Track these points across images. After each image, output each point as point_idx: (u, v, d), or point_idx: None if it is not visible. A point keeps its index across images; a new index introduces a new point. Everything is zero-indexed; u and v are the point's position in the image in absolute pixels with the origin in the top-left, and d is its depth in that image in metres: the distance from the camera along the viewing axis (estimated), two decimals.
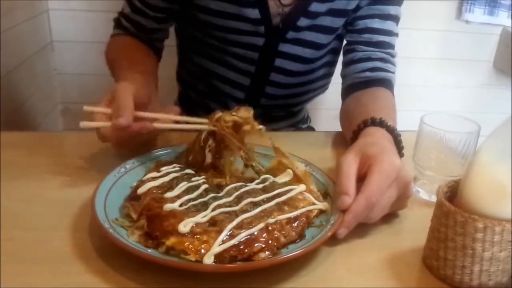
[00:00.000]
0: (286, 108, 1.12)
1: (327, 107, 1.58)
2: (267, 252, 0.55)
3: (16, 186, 0.69)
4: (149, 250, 0.54)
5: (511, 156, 0.50)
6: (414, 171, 0.73)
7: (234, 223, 0.57)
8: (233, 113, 0.70)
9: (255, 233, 0.56)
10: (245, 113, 0.70)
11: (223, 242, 0.54)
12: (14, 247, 0.56)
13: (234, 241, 0.54)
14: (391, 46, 0.98)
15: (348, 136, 0.81)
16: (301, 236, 0.59)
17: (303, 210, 0.62)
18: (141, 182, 0.65)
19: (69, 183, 0.71)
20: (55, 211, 0.64)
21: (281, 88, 1.03)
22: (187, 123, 0.73)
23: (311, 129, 1.24)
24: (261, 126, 0.71)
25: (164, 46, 1.06)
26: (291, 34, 0.95)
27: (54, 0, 1.53)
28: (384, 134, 0.74)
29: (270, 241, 0.56)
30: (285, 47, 0.97)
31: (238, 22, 0.93)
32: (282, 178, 0.69)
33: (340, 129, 0.94)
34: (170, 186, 0.65)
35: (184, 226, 0.55)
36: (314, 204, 0.64)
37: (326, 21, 0.95)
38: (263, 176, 0.70)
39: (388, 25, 0.97)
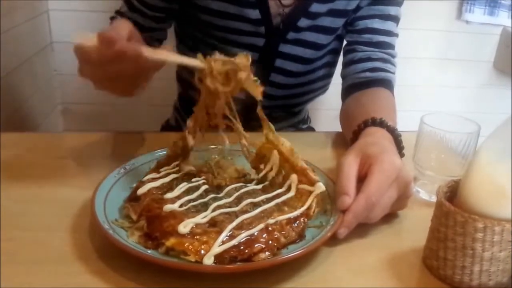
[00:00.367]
0: (286, 109, 1.12)
1: (327, 107, 1.58)
2: (267, 253, 0.55)
3: (16, 186, 0.69)
4: (149, 251, 0.54)
5: (511, 157, 0.50)
6: (414, 171, 0.73)
7: (234, 223, 0.57)
8: (229, 59, 0.64)
9: (255, 233, 0.56)
10: (243, 59, 0.64)
11: (223, 242, 0.54)
12: (13, 247, 0.57)
13: (234, 242, 0.54)
14: (391, 46, 0.98)
15: (348, 137, 0.81)
16: (301, 236, 0.59)
17: (303, 209, 0.62)
18: (141, 183, 0.65)
19: (69, 183, 0.71)
20: (55, 211, 0.64)
21: (281, 89, 1.03)
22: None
23: (311, 129, 1.24)
24: (256, 78, 0.66)
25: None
26: (291, 35, 0.95)
27: (54, 1, 1.53)
28: (384, 134, 0.74)
29: (270, 242, 0.56)
30: (285, 48, 0.97)
31: (238, 23, 0.93)
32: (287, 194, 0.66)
33: (340, 130, 0.94)
34: (170, 186, 0.65)
35: (184, 227, 0.55)
36: (311, 203, 0.63)
37: (327, 21, 0.95)
38: (261, 174, 0.70)
39: (388, 25, 0.97)
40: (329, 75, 1.11)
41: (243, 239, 0.55)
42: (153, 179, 0.66)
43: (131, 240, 0.56)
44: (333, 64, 1.09)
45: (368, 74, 0.94)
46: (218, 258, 0.53)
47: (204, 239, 0.54)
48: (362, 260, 0.58)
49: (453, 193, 0.56)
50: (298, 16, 0.93)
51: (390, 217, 0.66)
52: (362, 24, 0.97)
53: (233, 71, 0.64)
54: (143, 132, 0.89)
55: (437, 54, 1.76)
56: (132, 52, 0.59)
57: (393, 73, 0.96)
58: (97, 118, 1.63)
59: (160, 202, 0.60)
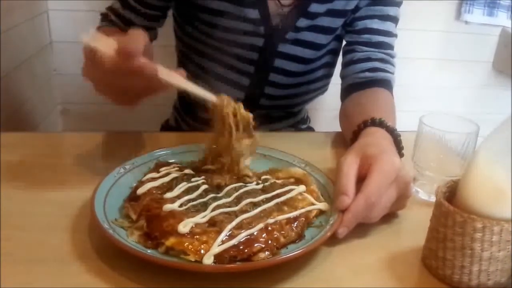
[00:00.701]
0: (285, 109, 1.12)
1: (326, 107, 1.58)
2: (266, 252, 0.55)
3: (16, 186, 0.69)
4: (149, 251, 0.55)
5: (509, 157, 0.50)
6: (413, 172, 0.73)
7: (234, 223, 0.57)
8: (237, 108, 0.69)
9: (255, 233, 0.56)
10: (246, 116, 0.69)
11: (223, 242, 0.54)
12: (13, 247, 0.57)
13: (233, 242, 0.54)
14: (390, 46, 0.98)
15: (347, 137, 0.81)
16: (300, 236, 0.59)
17: (303, 210, 0.62)
18: (141, 183, 0.66)
19: (69, 183, 0.71)
20: (54, 211, 0.64)
21: (280, 89, 1.03)
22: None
23: (310, 129, 1.24)
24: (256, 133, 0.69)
25: (160, 53, 1.05)
26: (290, 35, 0.95)
27: (54, 1, 1.53)
28: (384, 134, 0.74)
29: (269, 241, 0.56)
30: (284, 48, 0.97)
31: (237, 22, 0.93)
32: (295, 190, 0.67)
33: (339, 130, 0.94)
34: (169, 186, 0.65)
35: (184, 227, 0.55)
36: (313, 204, 0.64)
37: (325, 21, 0.95)
38: (264, 177, 0.70)
39: (387, 26, 0.97)
40: (328, 76, 1.11)
41: (243, 239, 0.55)
42: (153, 179, 0.66)
43: (130, 239, 0.56)
44: (332, 65, 1.09)
45: (367, 74, 0.94)
46: (218, 257, 0.53)
47: (204, 239, 0.54)
48: (361, 260, 0.58)
49: (452, 193, 0.56)
50: (297, 16, 0.93)
51: (389, 217, 0.66)
52: (361, 24, 0.97)
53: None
54: (143, 132, 0.89)
55: (436, 54, 1.76)
56: (149, 71, 0.59)
57: (392, 73, 0.96)
58: (97, 118, 1.63)
59: (159, 201, 0.60)
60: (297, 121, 1.18)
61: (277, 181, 0.69)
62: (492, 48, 1.76)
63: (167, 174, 0.68)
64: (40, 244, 0.57)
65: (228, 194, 0.64)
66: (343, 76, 1.00)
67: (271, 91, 1.03)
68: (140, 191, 0.63)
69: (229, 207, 0.61)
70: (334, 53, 1.07)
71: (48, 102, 1.56)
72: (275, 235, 0.57)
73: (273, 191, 0.65)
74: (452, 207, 0.52)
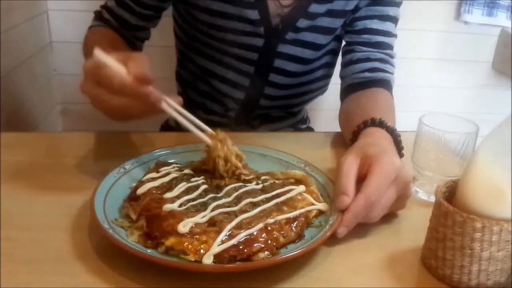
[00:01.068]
0: (285, 109, 1.12)
1: (326, 107, 1.58)
2: (266, 252, 0.55)
3: (16, 186, 0.69)
4: (149, 250, 0.55)
5: (509, 157, 0.50)
6: (413, 171, 0.73)
7: (234, 223, 0.57)
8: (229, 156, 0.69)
9: (254, 233, 0.56)
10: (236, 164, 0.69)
11: (223, 242, 0.54)
12: (13, 247, 0.57)
13: (233, 241, 0.54)
14: (390, 47, 0.98)
15: (347, 137, 0.81)
16: (300, 236, 0.59)
17: (302, 210, 0.62)
18: (141, 183, 0.66)
19: (69, 183, 0.71)
20: (54, 211, 0.64)
21: (280, 89, 1.03)
22: (187, 118, 0.69)
23: (310, 129, 1.24)
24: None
25: (160, 53, 1.05)
26: (290, 35, 0.95)
27: (54, 1, 1.53)
28: (384, 134, 0.74)
29: (269, 241, 0.56)
30: (284, 48, 0.97)
31: (237, 23, 0.93)
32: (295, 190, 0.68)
33: (339, 130, 0.94)
34: (169, 186, 0.65)
35: (184, 227, 0.55)
36: (313, 204, 0.64)
37: (325, 22, 0.95)
38: (263, 177, 0.70)
39: (387, 26, 0.97)
40: (328, 76, 1.11)
41: (242, 239, 0.55)
42: (153, 179, 0.66)
43: (130, 239, 0.56)
44: (332, 65, 1.10)
45: (367, 74, 0.94)
46: (218, 257, 0.53)
47: (204, 239, 0.54)
48: (361, 260, 0.58)
49: (451, 193, 0.56)
50: (297, 17, 0.93)
51: (389, 217, 0.66)
52: (361, 24, 0.97)
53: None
54: (143, 132, 0.89)
55: (435, 54, 1.76)
56: (154, 99, 0.61)
57: (392, 73, 0.97)
58: (97, 118, 1.62)
59: (159, 201, 0.60)
60: (296, 121, 1.18)
61: (276, 181, 0.69)
62: (491, 48, 1.76)
63: (167, 174, 0.68)
64: (40, 244, 0.57)
65: (227, 194, 0.64)
66: (342, 76, 1.00)
67: (271, 91, 1.03)
68: (140, 191, 0.63)
69: (228, 207, 0.61)
70: (334, 53, 1.07)
71: (48, 102, 1.56)
72: (275, 235, 0.57)
73: (273, 191, 0.65)
74: (452, 207, 0.52)
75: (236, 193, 0.64)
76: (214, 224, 0.57)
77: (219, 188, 0.66)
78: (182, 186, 0.64)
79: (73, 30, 1.54)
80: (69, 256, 0.55)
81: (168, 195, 0.62)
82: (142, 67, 0.60)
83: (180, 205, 0.60)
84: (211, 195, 0.63)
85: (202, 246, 0.54)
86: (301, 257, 0.55)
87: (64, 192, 0.69)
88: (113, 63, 0.60)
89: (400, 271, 0.57)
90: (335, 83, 1.06)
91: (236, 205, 0.61)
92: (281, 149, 0.77)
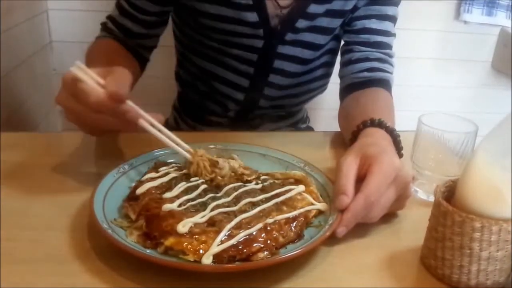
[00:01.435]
0: (285, 109, 1.12)
1: (326, 107, 1.58)
2: (265, 252, 0.55)
3: (16, 186, 0.69)
4: (148, 251, 0.55)
5: (508, 157, 0.50)
6: (412, 171, 0.73)
7: (233, 223, 0.57)
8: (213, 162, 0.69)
9: (254, 233, 0.56)
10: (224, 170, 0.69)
11: (222, 242, 0.54)
12: (13, 247, 0.57)
13: (232, 241, 0.54)
14: (388, 46, 0.98)
15: (347, 137, 0.81)
16: (299, 236, 0.59)
17: (302, 210, 0.62)
18: (140, 183, 0.66)
19: (68, 183, 0.71)
20: (54, 211, 0.64)
21: (279, 89, 1.03)
22: (166, 135, 0.68)
23: (310, 129, 1.24)
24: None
25: (160, 53, 1.04)
26: (289, 36, 0.95)
27: (54, 0, 1.53)
28: (383, 134, 0.74)
29: (268, 241, 0.56)
30: (283, 49, 0.97)
31: (237, 26, 0.92)
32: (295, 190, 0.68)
33: (339, 129, 0.94)
34: (169, 186, 0.65)
35: (183, 226, 0.55)
36: (312, 204, 0.64)
37: (324, 22, 0.95)
38: (263, 177, 0.70)
39: (385, 25, 0.97)
40: (327, 75, 1.11)
41: (242, 239, 0.55)
42: (152, 179, 0.66)
43: (130, 239, 0.56)
44: (331, 64, 1.10)
45: (366, 74, 0.94)
46: (217, 257, 0.53)
47: (203, 239, 0.54)
48: (360, 260, 0.58)
49: (451, 193, 0.56)
50: (296, 17, 0.93)
51: (388, 217, 0.66)
52: (359, 24, 0.97)
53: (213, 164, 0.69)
54: (142, 132, 0.89)
55: (435, 54, 1.76)
56: (130, 116, 0.60)
57: (391, 73, 0.97)
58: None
59: (159, 201, 0.60)
60: (296, 121, 1.18)
61: (276, 181, 0.69)
62: (491, 48, 1.76)
63: (166, 174, 0.68)
64: (40, 244, 0.57)
65: (227, 194, 0.64)
66: (341, 76, 1.00)
67: (270, 91, 1.03)
68: (139, 191, 0.63)
69: (228, 207, 0.61)
70: (333, 52, 1.07)
71: (47, 101, 1.56)
72: (274, 235, 0.57)
73: (272, 191, 0.65)
74: (451, 207, 0.52)
75: (235, 193, 0.64)
76: (213, 224, 0.57)
77: (218, 188, 0.66)
78: (182, 186, 0.64)
79: (73, 30, 1.55)
80: (69, 256, 0.55)
81: (168, 195, 0.62)
82: (119, 84, 0.59)
83: (180, 205, 0.60)
84: (211, 195, 0.63)
85: (201, 246, 0.54)
86: (301, 257, 0.55)
87: (63, 192, 0.69)
88: (88, 80, 0.60)
89: (399, 271, 0.57)
90: (335, 82, 1.06)
91: (236, 205, 0.61)
92: (281, 148, 0.77)
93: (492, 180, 0.51)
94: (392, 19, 0.98)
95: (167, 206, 0.59)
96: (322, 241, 0.57)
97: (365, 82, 0.93)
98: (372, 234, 0.63)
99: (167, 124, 1.22)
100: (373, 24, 0.96)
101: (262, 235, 0.56)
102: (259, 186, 0.67)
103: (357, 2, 0.96)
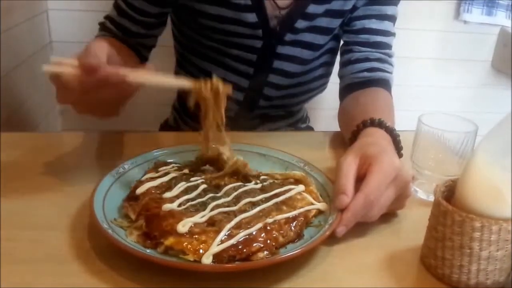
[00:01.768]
0: (284, 108, 1.12)
1: (326, 106, 1.58)
2: (265, 252, 0.55)
3: (15, 186, 0.69)
4: (148, 250, 0.55)
5: (508, 156, 0.50)
6: (412, 171, 0.73)
7: (233, 223, 0.57)
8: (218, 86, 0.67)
9: (254, 233, 0.56)
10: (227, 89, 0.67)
11: (222, 242, 0.54)
12: (13, 247, 0.57)
13: (232, 241, 0.54)
14: (388, 46, 0.98)
15: (347, 136, 0.81)
16: (299, 235, 0.59)
17: (302, 210, 0.62)
18: (140, 182, 0.66)
19: (68, 183, 0.71)
20: (54, 211, 0.64)
21: (279, 89, 1.03)
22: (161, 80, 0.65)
23: (310, 128, 1.24)
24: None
25: (160, 53, 1.03)
26: (288, 36, 0.95)
27: (54, 0, 1.53)
28: (383, 134, 0.74)
29: (268, 241, 0.56)
30: (283, 49, 0.97)
31: (236, 26, 0.92)
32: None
33: (339, 129, 0.94)
34: (168, 186, 0.65)
35: (183, 226, 0.55)
36: (312, 204, 0.64)
37: (324, 22, 0.95)
38: (262, 177, 0.70)
39: (385, 25, 0.97)
40: (327, 74, 1.11)
41: (242, 239, 0.55)
42: (152, 179, 0.66)
43: (129, 239, 0.56)
44: (330, 64, 1.09)
45: (365, 74, 0.94)
46: (217, 257, 0.53)
47: (203, 239, 0.54)
48: (360, 260, 0.58)
49: (450, 193, 0.56)
50: (295, 18, 0.93)
51: (388, 216, 0.66)
52: (359, 24, 0.97)
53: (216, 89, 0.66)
54: (142, 132, 0.89)
55: (435, 54, 1.76)
56: (115, 78, 0.59)
57: (391, 72, 0.97)
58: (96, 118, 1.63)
59: (158, 201, 0.60)
60: (296, 120, 1.18)
61: (276, 180, 0.69)
62: (491, 47, 1.76)
63: (166, 173, 0.68)
64: (40, 244, 0.57)
65: (227, 194, 0.64)
66: (341, 76, 1.00)
67: (270, 92, 1.03)
68: (139, 190, 0.63)
69: (228, 206, 0.61)
70: (333, 52, 1.07)
71: (47, 102, 1.56)
72: (274, 235, 0.57)
73: (272, 190, 0.65)
74: (451, 207, 0.52)
75: (235, 193, 0.64)
76: (213, 224, 0.57)
77: (218, 188, 0.66)
78: (181, 185, 0.64)
79: (73, 30, 1.54)
80: (69, 256, 0.55)
81: (167, 194, 0.62)
82: (89, 57, 0.58)
83: (179, 205, 0.60)
84: (210, 194, 0.63)
85: (201, 246, 0.54)
86: (301, 256, 0.55)
87: (63, 192, 0.69)
88: (62, 69, 0.59)
89: (399, 271, 0.57)
90: (335, 82, 1.06)
91: (235, 205, 0.61)
92: (281, 148, 0.77)
93: (492, 179, 0.51)
94: (392, 18, 0.98)
95: (167, 206, 0.59)
96: (322, 241, 0.57)
97: (365, 82, 0.93)
98: (372, 233, 0.63)
99: (167, 124, 1.23)
100: (373, 24, 0.96)
101: (262, 235, 0.56)
102: (259, 186, 0.67)
103: (356, 2, 0.95)
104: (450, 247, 0.53)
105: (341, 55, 1.01)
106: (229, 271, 0.54)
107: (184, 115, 1.16)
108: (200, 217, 0.58)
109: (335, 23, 0.97)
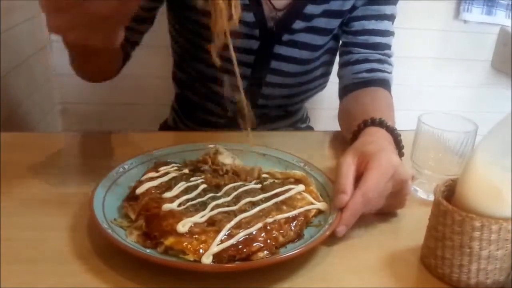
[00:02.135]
0: (284, 108, 1.12)
1: (326, 106, 1.58)
2: (265, 252, 0.55)
3: (15, 186, 0.69)
4: (148, 250, 0.55)
5: (507, 156, 0.50)
6: (412, 170, 0.73)
7: (233, 222, 0.57)
8: None
9: (254, 232, 0.56)
10: None
11: (222, 241, 0.54)
12: (12, 246, 0.57)
13: (232, 241, 0.54)
14: (387, 46, 0.98)
15: (347, 136, 0.81)
16: (299, 235, 0.59)
17: (302, 209, 0.62)
18: (140, 182, 0.66)
19: (68, 183, 0.71)
20: (53, 211, 0.64)
21: (278, 88, 1.03)
22: None
23: (310, 128, 1.24)
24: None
25: (158, 53, 1.02)
26: (286, 37, 0.94)
27: None
28: (384, 134, 0.74)
29: (268, 241, 0.56)
30: (280, 49, 0.96)
31: None
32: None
33: (339, 129, 0.94)
34: (168, 186, 0.65)
35: (183, 226, 0.55)
36: (312, 203, 0.64)
37: (322, 22, 0.94)
38: (264, 175, 0.70)
39: (384, 25, 0.97)
40: (327, 73, 1.11)
41: (242, 238, 0.55)
42: (152, 179, 0.66)
43: (129, 239, 0.56)
44: (330, 63, 1.09)
45: (365, 75, 0.94)
46: (217, 257, 0.53)
47: (203, 238, 0.54)
48: (360, 259, 0.58)
49: (450, 192, 0.56)
50: (292, 18, 0.92)
51: (388, 216, 0.66)
52: (358, 25, 0.96)
53: None
54: (141, 132, 0.89)
55: (435, 53, 1.76)
56: None
57: (390, 72, 0.96)
58: (96, 118, 1.63)
59: (158, 201, 0.60)
60: (296, 120, 1.17)
61: (276, 180, 0.69)
62: (491, 47, 1.76)
63: (166, 173, 0.68)
64: (40, 244, 0.57)
65: (227, 194, 0.64)
66: (340, 76, 1.00)
67: (268, 91, 1.03)
68: (139, 190, 0.63)
69: (228, 206, 0.61)
70: (333, 52, 1.06)
71: (47, 102, 1.56)
72: (274, 235, 0.57)
73: (272, 190, 0.65)
74: (451, 206, 0.52)
75: (235, 193, 0.64)
76: (213, 224, 0.57)
77: (218, 188, 0.66)
78: (181, 185, 0.64)
79: None
80: (69, 256, 0.55)
81: (167, 194, 0.62)
82: None
83: (179, 205, 0.60)
84: (210, 194, 0.63)
85: (201, 245, 0.54)
86: (301, 256, 0.55)
87: (63, 192, 0.69)
88: None
89: (399, 270, 0.57)
90: (335, 82, 1.06)
91: (235, 205, 0.61)
92: (280, 148, 0.77)
93: (492, 179, 0.51)
94: (391, 17, 0.98)
95: (167, 206, 0.59)
96: (322, 241, 0.57)
97: (365, 82, 0.93)
98: (372, 233, 0.63)
99: (166, 124, 1.22)
100: (372, 25, 0.96)
101: (262, 235, 0.56)
102: (259, 185, 0.67)
103: (356, 2, 0.95)
104: (450, 246, 0.53)
105: (340, 55, 1.01)
106: (229, 271, 0.54)
107: (183, 115, 1.15)
108: (200, 217, 0.58)
109: (334, 23, 0.96)
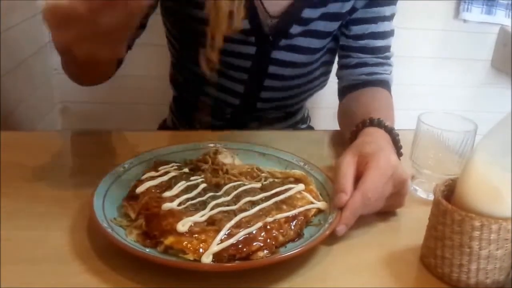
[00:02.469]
0: (283, 109, 1.12)
1: (327, 105, 1.57)
2: (265, 251, 0.55)
3: (15, 186, 0.69)
4: (148, 250, 0.55)
5: (507, 156, 0.50)
6: (411, 170, 0.73)
7: (233, 222, 0.57)
8: None
9: (254, 232, 0.56)
10: None
11: (222, 241, 0.54)
12: (13, 247, 0.57)
13: (232, 240, 0.54)
14: (387, 48, 0.97)
15: (347, 136, 0.81)
16: (299, 235, 0.60)
17: (302, 209, 0.62)
18: (140, 182, 0.66)
19: (68, 182, 0.71)
20: (53, 210, 0.64)
21: (276, 91, 1.02)
22: None
23: (310, 128, 1.24)
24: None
25: (157, 53, 1.02)
26: (283, 42, 0.93)
27: None
28: (382, 134, 0.74)
29: (268, 240, 0.56)
30: (278, 54, 0.95)
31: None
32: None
33: (338, 128, 0.94)
34: (168, 185, 0.65)
35: (183, 225, 0.55)
36: (312, 203, 0.64)
37: (320, 26, 0.93)
38: (263, 174, 0.70)
39: (384, 26, 0.96)
40: (327, 72, 1.10)
41: (242, 238, 0.55)
42: (152, 178, 0.66)
43: (129, 238, 0.56)
44: (330, 63, 1.08)
45: (364, 77, 0.94)
46: (217, 256, 0.53)
47: (203, 238, 0.54)
48: (360, 259, 0.59)
49: (450, 192, 0.56)
50: (289, 23, 0.91)
51: (388, 215, 0.66)
52: (357, 29, 0.95)
53: None
54: (142, 131, 0.89)
55: (434, 53, 1.76)
56: None
57: (390, 73, 0.96)
58: (96, 117, 1.63)
59: (158, 200, 0.60)
60: (296, 121, 1.17)
61: (276, 179, 0.69)
62: (490, 46, 1.76)
63: (166, 173, 0.68)
64: (40, 244, 0.57)
65: (227, 193, 0.64)
66: (339, 77, 0.99)
67: (267, 95, 1.02)
68: (139, 190, 0.63)
69: (228, 205, 0.61)
70: (332, 52, 1.06)
71: (47, 101, 1.56)
72: (274, 234, 0.57)
73: (272, 189, 0.65)
74: (451, 206, 0.52)
75: (235, 192, 0.64)
76: (213, 223, 0.57)
77: (218, 187, 0.66)
78: (181, 185, 0.64)
79: None
80: (69, 256, 0.55)
81: (167, 194, 0.62)
82: None
83: (179, 204, 0.60)
84: (210, 194, 0.63)
85: (201, 245, 0.54)
86: (300, 256, 0.55)
87: (63, 192, 0.69)
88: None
89: (399, 270, 0.57)
90: (336, 81, 1.06)
91: (235, 204, 0.61)
92: (280, 148, 0.77)
93: (492, 179, 0.51)
94: (390, 18, 0.97)
95: (166, 205, 0.59)
96: (321, 240, 0.57)
97: (365, 83, 0.93)
98: (372, 233, 0.63)
99: (165, 124, 1.22)
100: (372, 28, 0.95)
101: (262, 234, 0.56)
102: (259, 185, 0.67)
103: (355, 3, 0.94)
104: (450, 246, 0.53)
105: (339, 57, 1.00)
106: (229, 270, 0.54)
107: (180, 117, 1.15)
108: (200, 216, 0.58)
109: (333, 26, 0.95)
